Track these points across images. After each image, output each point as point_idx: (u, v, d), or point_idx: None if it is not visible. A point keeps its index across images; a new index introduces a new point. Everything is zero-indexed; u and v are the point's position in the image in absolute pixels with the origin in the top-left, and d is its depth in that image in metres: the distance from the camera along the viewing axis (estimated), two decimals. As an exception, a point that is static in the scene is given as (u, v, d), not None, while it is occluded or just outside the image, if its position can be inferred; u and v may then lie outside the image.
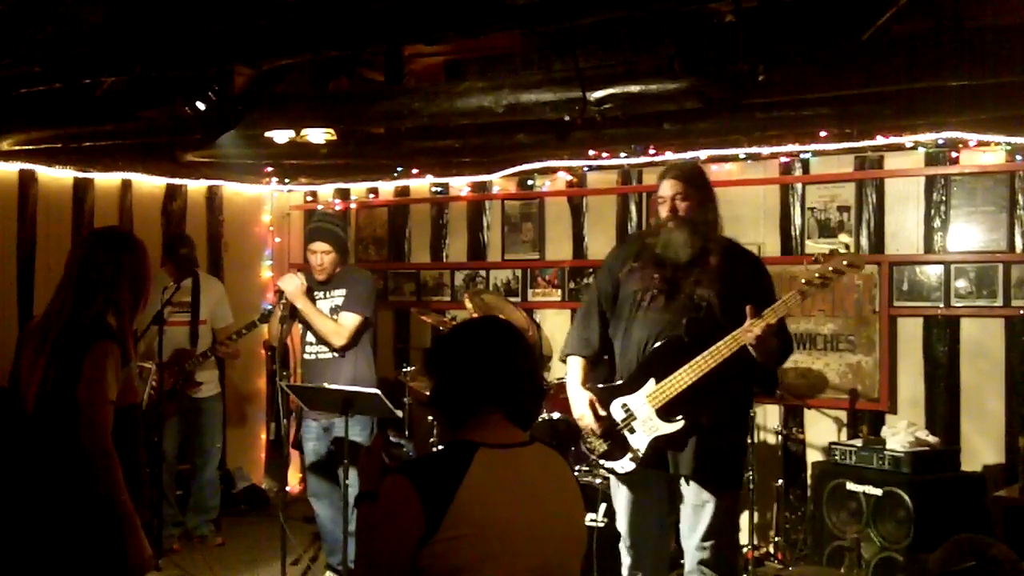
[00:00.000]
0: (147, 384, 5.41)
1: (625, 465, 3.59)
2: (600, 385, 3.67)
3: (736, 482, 3.64)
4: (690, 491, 3.55)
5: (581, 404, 3.64)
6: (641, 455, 3.53)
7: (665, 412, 3.47)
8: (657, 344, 3.50)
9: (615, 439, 3.59)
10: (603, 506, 4.58)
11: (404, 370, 5.78)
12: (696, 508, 3.54)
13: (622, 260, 3.71)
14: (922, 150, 5.24)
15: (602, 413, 3.59)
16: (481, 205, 6.84)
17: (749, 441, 4.53)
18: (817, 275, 3.36)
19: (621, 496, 3.71)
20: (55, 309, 2.98)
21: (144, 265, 3.10)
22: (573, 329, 3.90)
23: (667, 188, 3.57)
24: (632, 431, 3.54)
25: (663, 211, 3.57)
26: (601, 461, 3.70)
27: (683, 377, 3.42)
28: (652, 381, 3.48)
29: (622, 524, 3.72)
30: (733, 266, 3.53)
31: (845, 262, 3.36)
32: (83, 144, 5.30)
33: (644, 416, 3.51)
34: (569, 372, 3.76)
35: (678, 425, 3.45)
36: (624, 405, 3.56)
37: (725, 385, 3.45)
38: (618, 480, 3.69)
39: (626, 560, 3.73)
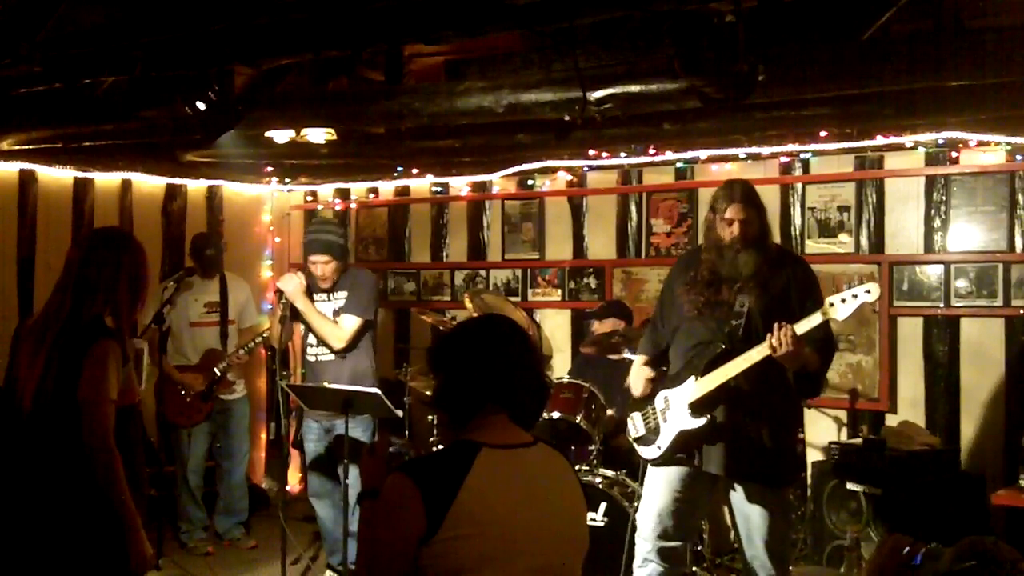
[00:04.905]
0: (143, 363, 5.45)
1: (652, 452, 3.81)
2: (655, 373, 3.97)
3: (778, 480, 3.72)
4: (736, 491, 3.71)
5: (634, 378, 3.95)
6: (665, 445, 3.73)
7: (695, 409, 3.64)
8: (698, 347, 3.69)
9: (651, 427, 3.82)
10: (603, 506, 4.59)
11: (404, 370, 5.78)
12: (741, 505, 3.70)
13: (679, 274, 3.89)
14: (922, 150, 5.24)
15: (651, 373, 3.88)
16: (481, 205, 6.84)
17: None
18: (841, 299, 3.44)
19: (650, 482, 3.85)
20: (53, 308, 2.98)
21: (143, 265, 3.10)
22: (644, 334, 4.17)
23: (735, 212, 3.64)
24: (665, 420, 3.75)
25: (727, 231, 3.65)
26: (635, 445, 3.93)
27: (714, 379, 3.57)
28: (692, 379, 3.66)
29: (643, 511, 3.86)
30: (776, 274, 3.66)
31: (867, 290, 3.42)
32: (83, 144, 5.29)
33: (677, 410, 3.69)
34: (634, 362, 4.07)
35: (701, 422, 3.61)
36: (665, 397, 3.77)
37: (762, 388, 3.57)
38: (652, 467, 3.87)
39: (641, 548, 3.85)
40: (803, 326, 3.41)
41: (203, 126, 4.13)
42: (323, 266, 4.85)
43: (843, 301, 3.40)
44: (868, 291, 3.39)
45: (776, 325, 3.39)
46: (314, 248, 4.87)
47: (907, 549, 1.98)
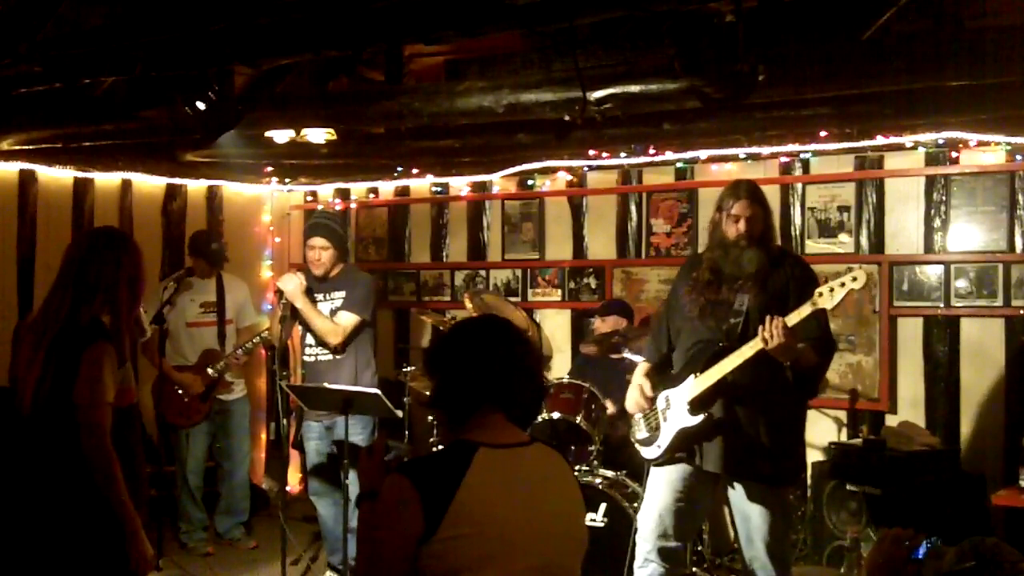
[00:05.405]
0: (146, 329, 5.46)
1: (653, 452, 3.82)
2: (656, 376, 3.97)
3: (777, 480, 3.72)
4: (736, 490, 3.71)
5: (633, 386, 3.94)
6: (665, 444, 3.75)
7: (693, 407, 3.66)
8: (698, 346, 3.71)
9: (652, 426, 3.84)
10: (603, 506, 4.58)
11: (404, 370, 5.78)
12: (740, 505, 3.71)
13: (683, 276, 3.91)
14: (922, 150, 5.24)
15: (649, 395, 3.86)
16: (481, 205, 6.84)
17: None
18: (829, 288, 3.44)
19: (652, 482, 3.86)
20: (52, 309, 2.97)
21: (140, 265, 3.10)
22: (648, 338, 4.17)
23: (741, 208, 3.66)
24: (666, 420, 3.77)
25: (733, 228, 3.68)
26: (638, 446, 3.94)
27: (711, 375, 3.59)
28: (691, 377, 3.68)
29: (644, 511, 3.86)
30: (776, 273, 3.68)
31: (853, 277, 3.43)
32: (83, 144, 5.29)
33: (678, 409, 3.71)
34: (637, 368, 4.06)
35: (699, 419, 3.63)
36: (667, 397, 3.80)
37: (761, 386, 3.58)
38: (654, 467, 3.87)
39: (642, 548, 3.84)
40: (793, 318, 3.43)
41: (203, 126, 4.13)
42: (320, 251, 4.88)
43: (831, 290, 3.41)
44: (854, 278, 3.40)
45: (768, 318, 3.41)
46: (314, 231, 4.92)
47: (908, 542, 1.98)
